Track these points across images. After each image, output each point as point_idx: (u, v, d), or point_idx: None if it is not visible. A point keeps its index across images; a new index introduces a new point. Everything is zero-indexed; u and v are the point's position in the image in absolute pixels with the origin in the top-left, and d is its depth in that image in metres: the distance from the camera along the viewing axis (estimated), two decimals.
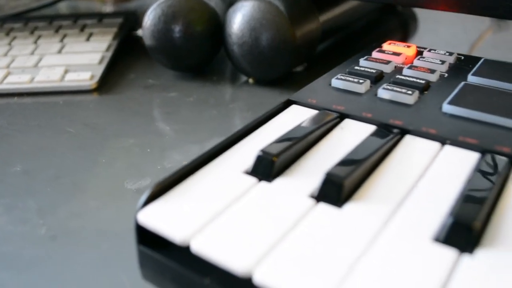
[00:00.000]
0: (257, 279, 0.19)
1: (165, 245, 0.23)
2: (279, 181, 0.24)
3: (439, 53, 0.37)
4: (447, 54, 0.37)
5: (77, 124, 0.40)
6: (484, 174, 0.24)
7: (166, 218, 0.22)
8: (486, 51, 0.56)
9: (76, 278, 0.25)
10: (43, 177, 0.33)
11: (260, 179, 0.24)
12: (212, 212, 0.22)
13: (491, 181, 0.23)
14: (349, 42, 0.58)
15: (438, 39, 0.60)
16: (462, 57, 0.38)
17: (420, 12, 0.69)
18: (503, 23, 0.67)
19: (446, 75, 0.35)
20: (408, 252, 0.20)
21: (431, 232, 0.21)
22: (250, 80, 0.46)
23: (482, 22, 0.65)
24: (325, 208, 0.22)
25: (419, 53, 0.38)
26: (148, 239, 0.23)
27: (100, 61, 0.47)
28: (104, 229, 0.29)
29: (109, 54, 0.49)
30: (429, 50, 0.38)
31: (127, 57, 0.52)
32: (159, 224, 0.22)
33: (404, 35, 0.63)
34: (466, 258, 0.19)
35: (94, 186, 0.33)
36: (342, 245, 0.20)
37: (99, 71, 0.46)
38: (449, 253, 0.20)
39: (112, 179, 0.33)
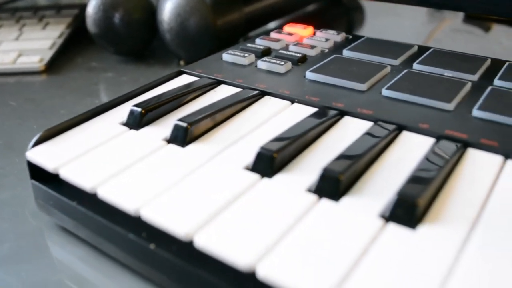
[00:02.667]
0: (100, 193, 0.25)
1: (55, 180, 0.28)
2: (144, 129, 0.30)
3: (328, 33, 0.43)
4: (336, 34, 0.42)
5: (20, 99, 0.46)
6: (313, 121, 0.29)
7: (47, 154, 0.28)
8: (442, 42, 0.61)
9: None
10: None
11: (130, 128, 0.30)
12: (83, 150, 0.28)
13: (316, 124, 0.28)
14: None
15: (392, 30, 0.65)
16: (350, 37, 0.43)
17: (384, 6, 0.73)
18: (438, 13, 0.72)
19: (327, 50, 0.40)
20: (223, 175, 0.25)
21: (245, 163, 0.26)
22: (181, 62, 0.52)
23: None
24: (172, 147, 0.28)
25: (314, 33, 0.43)
26: (39, 175, 0.29)
27: (51, 47, 0.53)
28: (20, 177, 0.34)
29: (60, 41, 0.55)
30: (321, 31, 0.43)
31: (78, 44, 0.58)
32: (39, 158, 0.27)
33: (348, 25, 0.68)
34: (267, 180, 0.25)
35: (23, 146, 0.38)
36: (174, 169, 0.26)
37: (48, 55, 0.52)
38: (252, 176, 0.25)
39: None
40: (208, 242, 0.21)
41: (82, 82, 0.49)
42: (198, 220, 0.22)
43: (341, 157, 0.25)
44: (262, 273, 0.19)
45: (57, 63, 0.53)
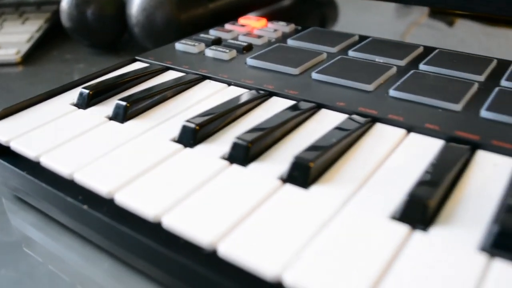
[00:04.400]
0: (42, 161, 0.28)
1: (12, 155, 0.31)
2: (90, 109, 0.33)
3: (279, 25, 0.46)
4: (285, 25, 0.45)
5: None
6: (239, 100, 0.32)
7: (1, 129, 0.31)
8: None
9: None
10: None
11: (79, 108, 0.33)
12: (34, 125, 0.31)
13: (242, 102, 0.32)
14: None
15: (361, 25, 0.68)
16: (300, 28, 0.46)
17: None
18: (406, 9, 0.75)
19: (274, 40, 0.43)
20: (152, 145, 0.28)
21: (172, 135, 0.29)
22: None
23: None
24: (112, 123, 0.31)
25: (267, 25, 0.47)
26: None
27: (28, 40, 0.57)
28: None
29: (38, 35, 0.58)
30: (273, 22, 0.46)
31: (55, 38, 0.61)
32: None
33: (321, 20, 0.71)
34: (188, 150, 0.28)
35: None
36: (110, 141, 0.29)
37: (25, 48, 0.55)
38: (176, 146, 0.28)
39: None
40: (126, 199, 0.24)
41: (55, 73, 0.52)
42: (120, 181, 0.25)
43: (254, 129, 0.28)
44: (166, 222, 0.23)
45: (33, 55, 0.57)
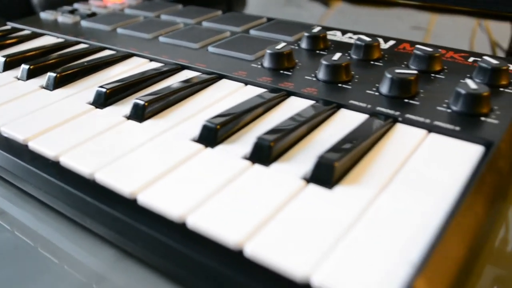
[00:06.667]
0: None
1: None
2: None
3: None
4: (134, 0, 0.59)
5: None
6: (63, 44, 0.46)
7: None
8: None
9: None
10: None
11: None
12: None
13: (58, 45, 0.45)
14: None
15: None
16: (144, 2, 0.59)
17: None
18: None
19: (118, 10, 0.56)
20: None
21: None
22: None
23: None
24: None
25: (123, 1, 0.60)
26: None
27: None
28: None
29: None
30: None
31: None
32: None
33: (228, 3, 0.84)
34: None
35: None
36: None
37: None
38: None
39: None
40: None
41: None
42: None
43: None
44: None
45: None
